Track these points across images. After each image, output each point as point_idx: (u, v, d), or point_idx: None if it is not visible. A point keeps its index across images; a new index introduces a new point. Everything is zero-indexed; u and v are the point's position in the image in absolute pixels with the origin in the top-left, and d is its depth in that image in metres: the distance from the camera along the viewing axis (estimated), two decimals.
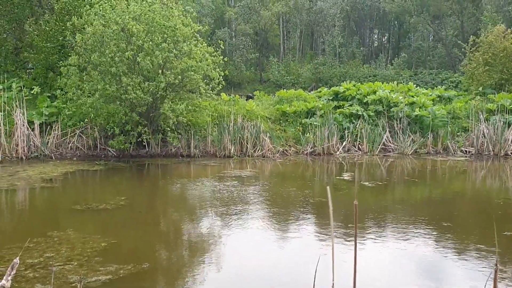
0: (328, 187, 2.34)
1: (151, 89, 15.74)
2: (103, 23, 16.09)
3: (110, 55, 15.59)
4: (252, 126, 17.64)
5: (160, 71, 16.10)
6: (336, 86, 22.95)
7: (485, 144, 18.45)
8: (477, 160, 17.76)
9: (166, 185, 13.16)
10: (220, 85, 17.35)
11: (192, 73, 16.11)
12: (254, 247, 7.88)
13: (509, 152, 18.14)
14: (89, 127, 17.30)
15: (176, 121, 16.36)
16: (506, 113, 19.02)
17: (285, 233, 8.67)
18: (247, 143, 17.39)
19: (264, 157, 17.26)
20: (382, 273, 6.73)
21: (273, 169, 15.59)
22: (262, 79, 49.75)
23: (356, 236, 2.14)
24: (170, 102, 16.44)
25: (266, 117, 18.95)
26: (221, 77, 17.25)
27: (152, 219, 9.78)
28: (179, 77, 16.00)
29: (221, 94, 18.89)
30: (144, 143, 16.97)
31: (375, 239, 8.13)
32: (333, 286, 2.22)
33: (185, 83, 16.63)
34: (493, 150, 18.34)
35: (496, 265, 2.68)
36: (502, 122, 18.47)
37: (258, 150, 17.46)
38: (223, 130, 17.41)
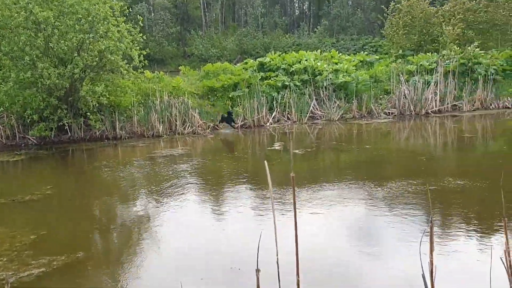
0: (266, 162, 2.28)
1: (68, 72, 14.98)
2: (8, 7, 15.01)
3: (19, 44, 14.64)
4: (180, 103, 17.32)
5: (76, 53, 15.31)
6: (261, 57, 22.92)
7: (407, 105, 19.16)
8: (400, 121, 18.44)
9: (93, 169, 12.70)
10: (142, 63, 16.82)
11: (110, 55, 15.48)
12: (192, 226, 7.78)
13: (429, 111, 18.94)
14: (5, 116, 16.34)
15: (97, 103, 15.76)
16: (425, 74, 19.78)
17: (223, 209, 8.62)
18: (176, 121, 17.08)
19: (194, 134, 17.04)
20: (322, 241, 6.84)
21: (205, 145, 15.46)
22: (186, 54, 48.95)
23: (295, 208, 2.09)
24: (89, 84, 15.75)
25: (194, 92, 18.64)
26: (141, 56, 16.70)
27: (82, 206, 9.42)
28: (97, 58, 15.35)
29: (144, 72, 18.33)
30: (66, 128, 16.25)
31: (311, 207, 8.25)
32: (277, 261, 2.18)
33: (104, 64, 15.98)
34: (414, 110, 19.08)
35: (431, 222, 2.74)
36: (421, 83, 19.21)
37: (188, 127, 17.20)
38: (149, 109, 16.98)
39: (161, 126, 16.86)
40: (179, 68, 22.82)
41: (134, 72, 16.65)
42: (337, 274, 5.85)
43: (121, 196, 9.94)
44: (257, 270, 2.32)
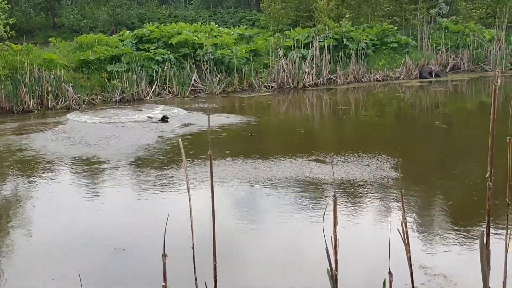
0: (180, 140, 2.12)
1: None
2: None
3: None
4: (52, 76, 16.16)
5: None
6: (137, 28, 22.07)
7: (286, 79, 19.62)
8: (280, 94, 18.88)
9: None
10: (8, 34, 15.41)
11: None
12: (68, 207, 7.34)
13: (306, 84, 19.59)
14: None
15: None
16: (302, 48, 20.35)
17: (100, 188, 8.24)
18: (48, 95, 15.94)
19: (68, 108, 16.05)
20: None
21: (79, 124, 14.55)
22: (56, 24, 45.71)
23: (212, 188, 1.97)
24: None
25: (66, 65, 17.47)
26: (7, 26, 15.28)
27: None
28: None
29: (10, 44, 16.78)
30: None
31: (203, 181, 8.16)
32: (193, 246, 2.05)
33: None
34: (293, 84, 19.62)
35: (334, 195, 2.75)
36: (299, 57, 19.75)
37: (61, 102, 16.16)
38: (18, 82, 15.65)
39: (31, 101, 15.65)
40: (49, 40, 21.23)
41: (0, 43, 15.22)
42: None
43: None
44: (164, 255, 2.17)
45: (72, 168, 9.45)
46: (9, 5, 15.80)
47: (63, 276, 5.27)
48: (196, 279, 2.05)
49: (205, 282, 2.20)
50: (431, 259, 5.43)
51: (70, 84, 16.49)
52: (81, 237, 6.25)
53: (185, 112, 14.96)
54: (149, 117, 14.01)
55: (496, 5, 24.79)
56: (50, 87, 16.03)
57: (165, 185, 8.16)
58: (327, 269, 2.86)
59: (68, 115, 14.85)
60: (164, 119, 13.56)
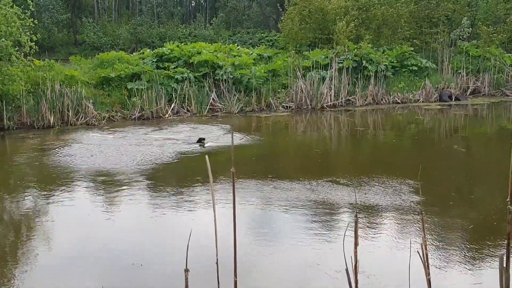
0: (207, 156, 2.12)
1: None
2: None
3: None
4: (73, 93, 16.39)
5: None
6: (157, 47, 22.35)
7: (304, 99, 19.66)
8: (297, 114, 18.90)
9: None
10: (32, 50, 15.69)
11: (3, 39, 14.28)
12: (85, 220, 7.38)
13: (324, 105, 19.59)
14: None
15: None
16: (320, 69, 20.41)
17: (119, 204, 8.27)
18: (69, 111, 16.15)
19: (88, 124, 16.23)
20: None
21: (98, 140, 14.65)
22: (77, 41, 46.50)
23: (234, 206, 1.96)
24: None
25: (87, 82, 17.71)
26: (33, 42, 15.57)
27: None
28: None
29: (33, 60, 17.09)
30: None
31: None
32: (217, 262, 2.04)
33: None
34: (310, 104, 19.63)
35: (356, 216, 2.72)
36: (317, 78, 19.80)
37: (82, 118, 16.35)
38: (39, 98, 15.89)
39: (52, 117, 15.86)
40: (70, 58, 21.58)
41: (24, 59, 15.49)
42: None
43: (10, 191, 9.17)
44: (186, 270, 2.16)
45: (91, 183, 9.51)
46: (35, 21, 16.07)
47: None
48: None
49: None
50: (452, 283, 5.33)
51: (91, 101, 16.70)
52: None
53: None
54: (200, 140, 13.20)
55: None
56: (71, 103, 16.24)
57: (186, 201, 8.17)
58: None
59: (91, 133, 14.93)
60: (201, 141, 13.00)
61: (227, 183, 9.20)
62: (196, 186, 9.09)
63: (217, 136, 14.13)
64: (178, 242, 6.17)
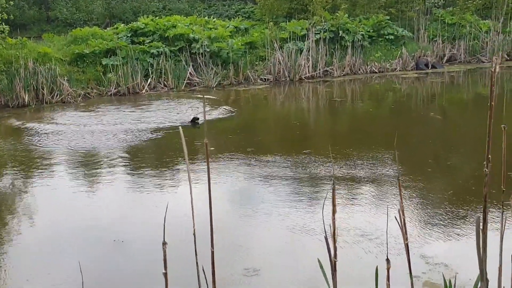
0: (180, 128, 2.11)
1: None
2: None
3: None
4: (47, 70, 16.08)
5: None
6: (131, 21, 21.97)
7: (282, 71, 19.56)
8: (276, 87, 18.84)
9: None
10: (1, 27, 15.33)
11: None
12: (69, 200, 7.34)
13: (302, 77, 19.55)
14: None
15: None
16: (298, 40, 20.29)
17: (98, 182, 8.22)
18: (43, 89, 15.88)
19: (64, 102, 15.99)
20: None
21: (75, 118, 14.39)
22: (49, 18, 45.40)
23: (209, 177, 1.96)
24: None
25: (61, 59, 17.37)
26: (2, 21, 15.20)
27: None
28: None
29: (5, 38, 16.67)
30: None
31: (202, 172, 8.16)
32: (194, 233, 2.04)
33: None
34: (289, 76, 19.56)
35: (333, 183, 2.73)
36: (294, 49, 19.70)
37: (57, 96, 16.09)
38: (13, 77, 15.57)
39: (27, 95, 15.58)
40: (42, 35, 21.11)
41: None
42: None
43: None
44: (164, 243, 2.17)
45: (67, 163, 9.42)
46: (10, 2, 15.64)
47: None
48: (197, 264, 2.05)
49: (202, 269, 2.20)
50: (431, 248, 5.45)
51: (65, 78, 16.42)
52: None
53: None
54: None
55: None
56: (46, 81, 15.95)
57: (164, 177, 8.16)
58: (318, 260, 2.86)
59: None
60: (194, 121, 12.35)
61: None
62: (177, 163, 9.06)
63: (199, 111, 14.07)
64: (161, 217, 6.18)
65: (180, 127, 2.06)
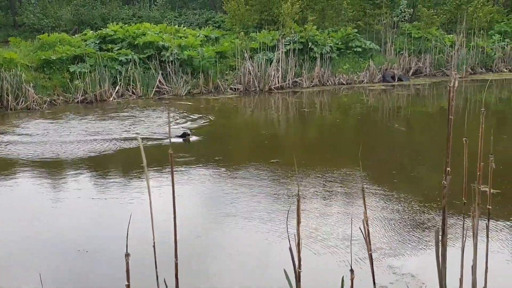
0: (139, 139, 2.10)
1: None
2: None
3: None
4: (12, 76, 15.76)
5: None
6: (100, 28, 21.77)
7: (251, 81, 19.64)
8: (245, 96, 18.91)
9: None
10: None
11: None
12: (34, 210, 7.20)
13: (272, 87, 19.66)
14: None
15: None
16: (268, 51, 20.43)
17: (63, 192, 8.09)
18: (8, 96, 15.54)
19: (29, 109, 15.67)
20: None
21: (39, 126, 14.12)
22: (16, 23, 44.58)
23: (173, 185, 1.97)
24: None
25: (27, 65, 17.06)
26: None
27: None
28: None
29: None
30: None
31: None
32: (154, 245, 2.04)
33: None
34: (258, 86, 19.65)
35: (298, 195, 2.77)
36: (264, 59, 19.82)
37: (22, 102, 15.76)
38: None
39: None
40: (9, 40, 20.70)
41: None
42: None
43: None
44: (127, 255, 2.15)
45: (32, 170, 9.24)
46: None
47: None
48: (157, 277, 2.04)
49: (164, 281, 2.19)
50: (398, 258, 5.53)
51: (31, 85, 16.12)
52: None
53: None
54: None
55: (457, 11, 25.46)
56: (10, 87, 15.63)
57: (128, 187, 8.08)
58: (284, 270, 2.88)
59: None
60: (185, 136, 11.47)
61: (177, 167, 9.14)
62: (142, 173, 8.98)
63: (166, 121, 13.98)
64: (125, 227, 6.11)
65: (139, 137, 2.06)
